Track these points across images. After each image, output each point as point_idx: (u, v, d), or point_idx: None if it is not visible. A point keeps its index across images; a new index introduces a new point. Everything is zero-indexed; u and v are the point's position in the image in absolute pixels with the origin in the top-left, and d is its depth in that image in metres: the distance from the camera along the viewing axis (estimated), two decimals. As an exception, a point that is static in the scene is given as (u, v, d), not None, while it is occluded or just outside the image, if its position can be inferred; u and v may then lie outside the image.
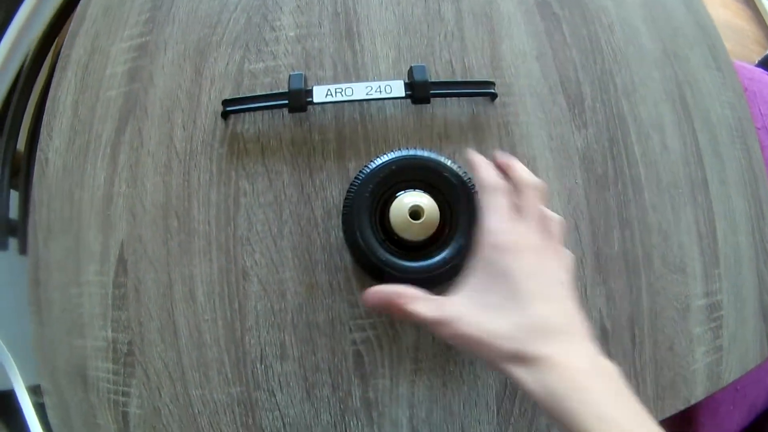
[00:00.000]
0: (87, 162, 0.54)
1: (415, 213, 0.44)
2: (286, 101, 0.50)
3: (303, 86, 0.50)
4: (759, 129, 0.80)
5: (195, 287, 0.50)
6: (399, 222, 0.44)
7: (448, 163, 0.47)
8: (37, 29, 0.78)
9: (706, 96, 0.63)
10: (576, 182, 0.53)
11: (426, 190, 0.46)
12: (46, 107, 0.56)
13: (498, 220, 0.39)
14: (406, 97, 0.49)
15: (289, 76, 0.51)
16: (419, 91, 0.50)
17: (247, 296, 0.50)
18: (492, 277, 0.37)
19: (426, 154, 0.46)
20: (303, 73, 0.51)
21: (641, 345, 0.55)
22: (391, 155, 0.46)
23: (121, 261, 0.51)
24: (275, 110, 0.51)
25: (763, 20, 1.25)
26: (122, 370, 0.49)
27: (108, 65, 0.56)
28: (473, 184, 0.46)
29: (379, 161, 0.46)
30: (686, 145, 0.59)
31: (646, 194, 0.55)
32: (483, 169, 0.43)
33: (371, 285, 0.40)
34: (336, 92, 0.50)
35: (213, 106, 0.53)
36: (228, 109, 0.51)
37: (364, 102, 0.51)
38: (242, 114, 0.52)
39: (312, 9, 0.55)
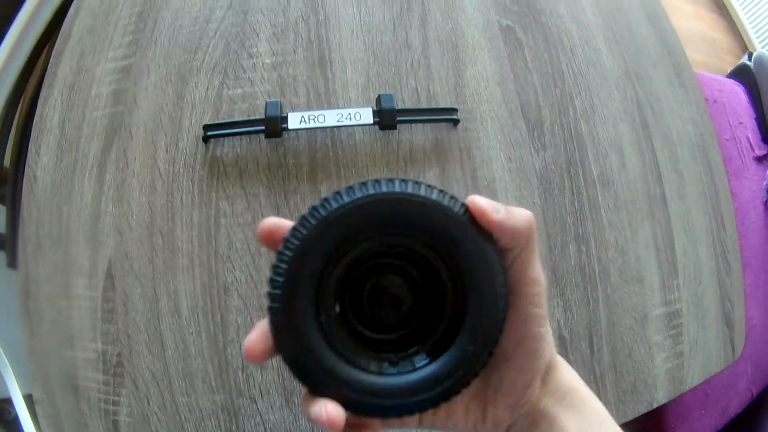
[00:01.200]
0: (75, 180, 0.57)
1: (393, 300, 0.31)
2: (263, 127, 0.54)
3: (279, 113, 0.54)
4: (728, 140, 0.83)
5: (180, 302, 0.54)
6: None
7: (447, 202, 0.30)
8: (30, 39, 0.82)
9: (668, 114, 0.66)
10: (534, 202, 0.57)
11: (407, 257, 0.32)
12: (34, 124, 0.59)
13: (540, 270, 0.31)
14: (374, 123, 0.53)
15: (266, 103, 0.54)
16: (386, 118, 0.53)
17: (229, 310, 0.53)
18: None
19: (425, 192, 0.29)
20: (279, 101, 0.55)
21: (600, 352, 0.58)
22: (366, 190, 0.28)
23: (109, 276, 0.55)
24: (252, 135, 0.55)
25: (738, 30, 1.27)
26: (112, 380, 0.53)
27: (93, 85, 0.59)
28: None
29: (344, 199, 0.28)
30: (645, 163, 0.62)
31: (602, 212, 0.58)
32: (515, 210, 0.30)
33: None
34: (309, 119, 0.53)
35: (194, 129, 0.57)
36: (209, 133, 0.55)
37: (336, 128, 0.55)
38: (222, 138, 0.56)
39: (287, 36, 0.59)
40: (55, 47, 0.63)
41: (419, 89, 0.57)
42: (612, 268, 0.59)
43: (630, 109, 0.63)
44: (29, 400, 0.66)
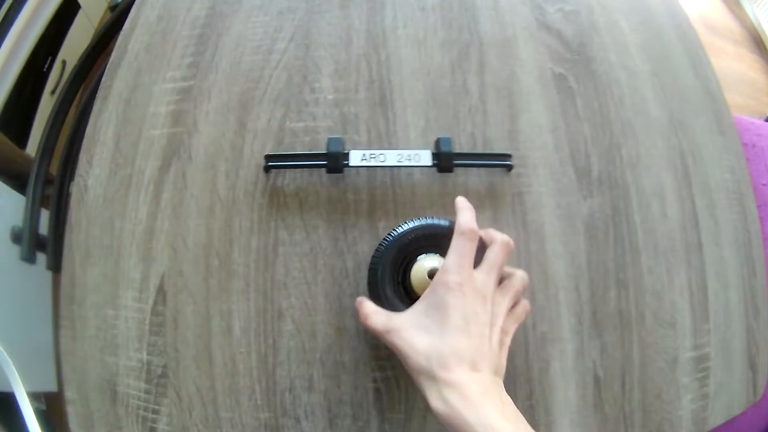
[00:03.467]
0: (129, 195, 0.59)
1: (434, 274, 0.50)
2: (325, 162, 0.56)
3: (341, 149, 0.56)
4: (764, 185, 0.85)
5: (232, 322, 0.56)
6: (418, 282, 0.50)
7: None
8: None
9: (708, 162, 0.68)
10: (579, 247, 0.59)
11: (444, 255, 0.52)
12: (86, 134, 0.61)
13: (455, 262, 0.45)
14: (433, 166, 0.55)
15: (329, 139, 0.57)
16: (444, 161, 0.56)
17: (281, 334, 0.56)
18: (432, 307, 0.45)
19: (445, 223, 0.52)
20: (341, 137, 0.57)
21: (630, 392, 0.61)
22: (414, 223, 0.52)
23: (161, 291, 0.57)
24: (314, 170, 0.58)
25: (778, 72, 1.28)
26: (154, 390, 0.55)
27: (150, 103, 0.61)
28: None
29: (403, 228, 0.52)
30: (684, 211, 0.64)
31: (642, 258, 0.61)
32: (464, 215, 0.47)
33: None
34: (370, 157, 0.55)
35: (255, 159, 0.59)
36: (270, 164, 0.57)
37: (395, 168, 0.57)
38: (284, 171, 0.58)
39: (349, 75, 0.61)
40: (111, 60, 0.64)
41: (475, 134, 0.59)
42: (648, 312, 0.61)
43: (673, 157, 0.66)
44: (32, 396, 0.67)
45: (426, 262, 0.51)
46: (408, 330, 0.45)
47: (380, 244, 0.52)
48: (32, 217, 0.71)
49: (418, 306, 0.46)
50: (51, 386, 1.06)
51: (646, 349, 0.61)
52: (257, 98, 0.61)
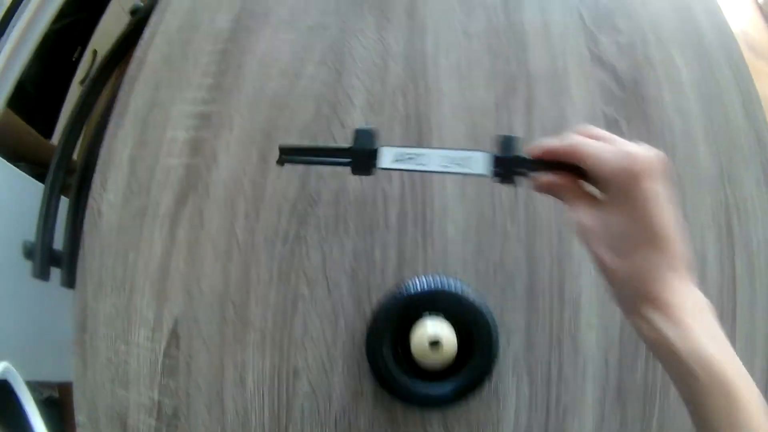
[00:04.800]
0: (144, 227, 0.55)
1: (435, 343, 0.47)
2: (350, 159, 0.44)
3: (370, 144, 0.44)
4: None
5: (246, 375, 0.53)
6: (419, 351, 0.48)
7: (470, 296, 0.49)
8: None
9: (752, 219, 0.64)
10: (614, 318, 0.56)
11: (447, 317, 0.49)
12: (101, 154, 0.57)
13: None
14: (497, 175, 0.41)
15: (356, 131, 0.44)
16: (511, 167, 0.41)
17: (296, 393, 0.53)
18: None
19: (449, 287, 0.49)
20: (371, 130, 0.44)
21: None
22: (418, 285, 0.49)
23: (174, 335, 0.54)
24: (340, 224, 0.52)
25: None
26: (165, 428, 0.53)
27: (168, 126, 0.56)
28: (493, 316, 0.49)
29: (405, 291, 0.49)
30: (724, 275, 0.61)
31: (677, 329, 0.58)
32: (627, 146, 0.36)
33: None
34: (407, 158, 0.43)
35: (277, 199, 0.54)
36: (285, 157, 0.47)
37: (427, 226, 0.52)
38: (306, 217, 0.53)
39: (383, 109, 0.55)
40: (128, 72, 0.59)
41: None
42: (671, 386, 0.59)
43: (718, 214, 0.61)
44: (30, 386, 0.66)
45: (429, 328, 0.48)
46: None
47: (386, 300, 0.50)
48: (45, 234, 0.65)
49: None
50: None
51: (666, 421, 0.59)
52: (282, 129, 0.55)
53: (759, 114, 0.69)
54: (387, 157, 0.44)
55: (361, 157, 0.44)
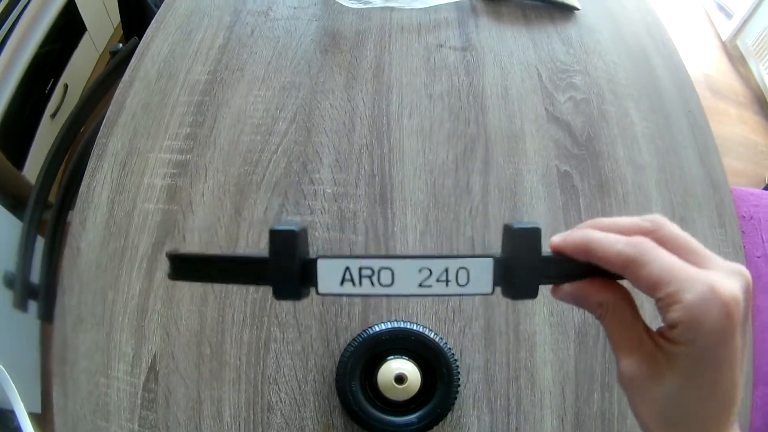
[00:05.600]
0: (122, 268, 0.59)
1: (400, 379, 0.52)
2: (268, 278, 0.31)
3: (299, 254, 0.30)
4: (759, 257, 0.85)
5: (223, 409, 0.57)
6: (385, 385, 0.52)
7: (431, 335, 0.53)
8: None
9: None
10: (569, 354, 0.60)
11: (411, 357, 0.53)
12: (80, 194, 0.60)
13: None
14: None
15: (271, 231, 0.30)
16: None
17: (271, 426, 0.57)
18: None
19: (414, 327, 0.53)
20: (295, 230, 0.30)
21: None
22: (382, 327, 0.53)
23: (153, 370, 0.57)
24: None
25: (780, 134, 1.26)
26: None
27: (146, 172, 0.60)
28: (453, 354, 0.53)
29: (371, 331, 0.53)
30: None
31: (629, 365, 0.62)
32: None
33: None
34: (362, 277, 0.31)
35: (249, 249, 0.59)
36: (175, 273, 0.34)
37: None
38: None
39: (350, 166, 0.60)
40: (107, 116, 0.63)
41: (475, 238, 0.58)
42: (629, 413, 0.63)
43: (669, 255, 0.65)
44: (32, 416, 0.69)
45: (393, 364, 0.52)
46: None
47: (346, 349, 0.54)
48: (24, 266, 0.70)
49: None
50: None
51: (624, 448, 0.63)
52: (255, 183, 0.60)
53: (714, 160, 0.73)
54: (330, 275, 0.30)
55: (283, 274, 0.30)
